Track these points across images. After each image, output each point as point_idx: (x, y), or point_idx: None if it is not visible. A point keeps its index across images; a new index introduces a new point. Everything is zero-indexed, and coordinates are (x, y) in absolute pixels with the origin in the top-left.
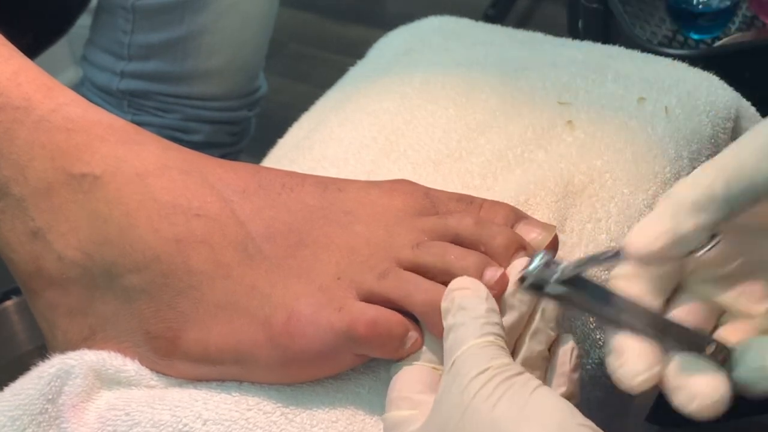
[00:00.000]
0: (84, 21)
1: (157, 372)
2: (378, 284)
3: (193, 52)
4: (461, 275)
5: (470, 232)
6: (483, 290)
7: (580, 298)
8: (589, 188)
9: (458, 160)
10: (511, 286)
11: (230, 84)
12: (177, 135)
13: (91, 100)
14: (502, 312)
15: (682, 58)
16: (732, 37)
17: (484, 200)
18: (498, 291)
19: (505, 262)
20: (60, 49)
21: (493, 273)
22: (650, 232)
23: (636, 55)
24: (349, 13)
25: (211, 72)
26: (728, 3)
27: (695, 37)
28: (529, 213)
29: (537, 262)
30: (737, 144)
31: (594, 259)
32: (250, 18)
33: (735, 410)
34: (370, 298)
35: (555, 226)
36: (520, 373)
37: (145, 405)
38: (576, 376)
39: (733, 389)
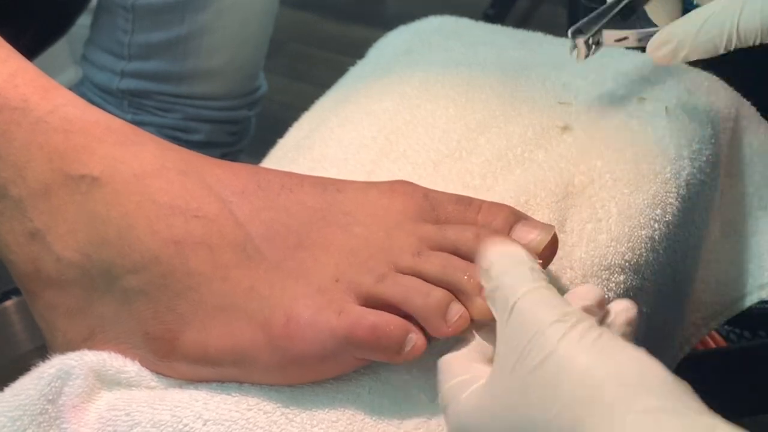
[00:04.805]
0: (84, 20)
1: (157, 373)
2: (376, 287)
3: (194, 51)
4: (462, 288)
5: (469, 246)
6: (521, 250)
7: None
8: (589, 188)
9: (458, 160)
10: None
11: (230, 83)
12: (177, 134)
13: (90, 100)
14: None
15: None
16: None
17: (483, 202)
18: None
19: None
20: (60, 49)
21: None
22: None
23: (636, 55)
24: (349, 13)
25: (212, 71)
26: None
27: None
28: (529, 213)
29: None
30: None
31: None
32: (250, 17)
33: (735, 410)
34: (368, 301)
35: (554, 227)
36: (599, 326)
37: (145, 405)
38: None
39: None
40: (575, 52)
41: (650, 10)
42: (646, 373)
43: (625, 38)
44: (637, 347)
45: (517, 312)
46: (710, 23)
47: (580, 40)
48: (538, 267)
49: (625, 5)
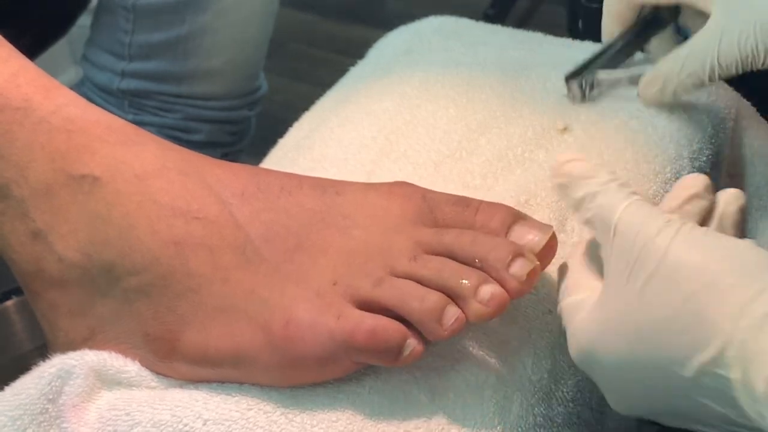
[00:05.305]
0: (84, 21)
1: (157, 373)
2: (373, 291)
3: (194, 51)
4: (458, 291)
5: (466, 250)
6: (599, 168)
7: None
8: None
9: (459, 161)
10: None
11: (231, 83)
12: (177, 134)
13: (91, 100)
14: None
15: None
16: None
17: (481, 202)
18: (494, 309)
19: (501, 277)
20: (60, 49)
21: (489, 289)
22: None
23: (636, 54)
24: (349, 13)
25: (212, 71)
26: None
27: None
28: (529, 213)
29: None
30: None
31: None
32: (250, 17)
33: None
34: (365, 304)
35: (552, 227)
36: (701, 226)
37: (145, 405)
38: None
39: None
40: (571, 96)
41: (652, 51)
42: (755, 259)
43: (618, 80)
44: (743, 239)
45: (621, 230)
46: (691, 60)
47: (574, 84)
48: (621, 178)
49: (623, 49)
